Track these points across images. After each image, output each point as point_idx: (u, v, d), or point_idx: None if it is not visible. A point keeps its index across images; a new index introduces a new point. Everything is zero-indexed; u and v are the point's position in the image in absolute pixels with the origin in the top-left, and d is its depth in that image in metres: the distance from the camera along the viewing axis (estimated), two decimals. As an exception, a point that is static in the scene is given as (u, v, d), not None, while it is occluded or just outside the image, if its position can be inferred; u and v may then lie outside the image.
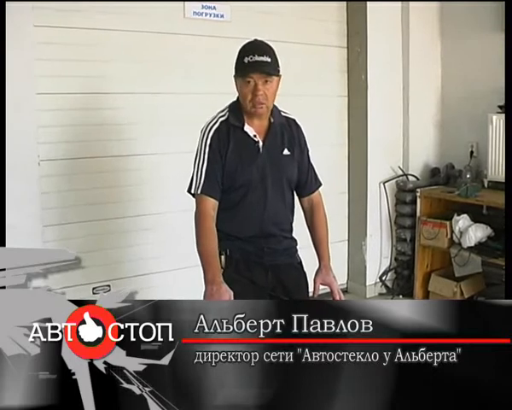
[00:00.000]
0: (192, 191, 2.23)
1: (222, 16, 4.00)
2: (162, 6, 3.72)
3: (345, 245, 4.75)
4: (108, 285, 3.75)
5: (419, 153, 4.80)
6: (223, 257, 2.27)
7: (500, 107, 4.15)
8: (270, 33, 4.08)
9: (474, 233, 4.21)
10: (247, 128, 2.24)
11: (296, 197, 2.44)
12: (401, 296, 4.71)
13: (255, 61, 2.12)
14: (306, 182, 2.40)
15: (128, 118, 3.72)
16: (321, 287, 2.32)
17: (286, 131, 2.32)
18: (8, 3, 2.91)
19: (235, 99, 2.31)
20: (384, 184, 4.71)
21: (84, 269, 3.68)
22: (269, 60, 2.15)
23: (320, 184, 2.47)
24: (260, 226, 2.25)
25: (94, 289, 3.70)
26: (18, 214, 3.17)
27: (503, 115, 4.03)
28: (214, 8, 3.95)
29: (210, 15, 3.95)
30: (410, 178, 4.73)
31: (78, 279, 3.63)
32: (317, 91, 4.47)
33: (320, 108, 4.48)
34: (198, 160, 2.23)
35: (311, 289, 2.38)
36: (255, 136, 2.24)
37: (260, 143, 2.24)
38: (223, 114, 2.28)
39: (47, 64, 3.36)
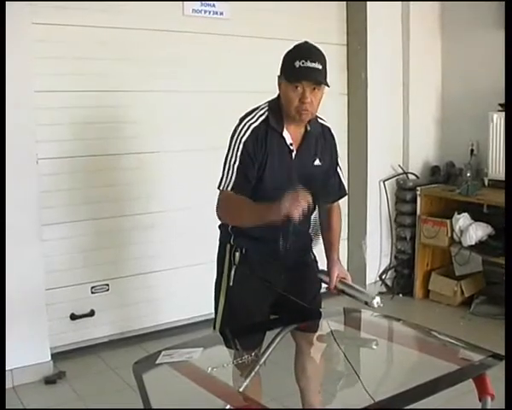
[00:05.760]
0: (221, 188, 2.15)
1: (221, 14, 3.97)
2: (161, 4, 3.70)
3: (345, 244, 4.73)
4: (107, 284, 3.73)
5: (419, 151, 4.79)
6: (237, 254, 2.23)
7: (501, 105, 4.14)
8: (269, 31, 4.09)
9: (474, 232, 4.21)
10: (285, 134, 2.19)
11: None
12: (401, 295, 4.69)
13: (307, 68, 2.04)
14: (330, 191, 2.37)
15: (126, 116, 3.70)
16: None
17: (320, 141, 2.28)
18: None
19: (274, 97, 2.23)
20: (384, 182, 4.70)
21: (82, 268, 3.71)
22: (320, 67, 2.07)
23: (345, 194, 2.44)
24: (281, 232, 2.20)
25: (92, 288, 3.69)
26: (16, 213, 3.14)
27: (504, 113, 4.02)
28: (213, 5, 3.93)
29: (209, 13, 3.93)
30: (410, 176, 4.72)
31: (77, 278, 3.63)
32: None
33: (320, 106, 4.45)
34: (230, 156, 2.15)
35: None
36: (291, 144, 2.20)
37: (294, 152, 2.21)
38: (262, 113, 2.20)
39: (45, 62, 3.34)
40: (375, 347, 2.05)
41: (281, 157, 2.18)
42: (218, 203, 2.19)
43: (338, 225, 2.40)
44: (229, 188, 2.13)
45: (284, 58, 2.16)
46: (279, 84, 2.17)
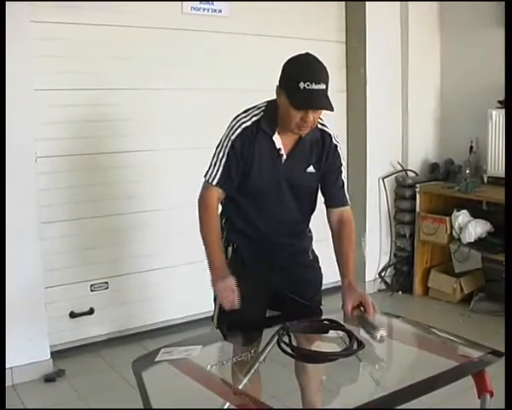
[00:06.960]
0: (206, 179, 2.20)
1: (220, 11, 3.96)
2: (160, 2, 3.69)
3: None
4: (106, 282, 3.73)
5: (418, 148, 4.78)
6: (230, 248, 2.24)
7: (500, 102, 4.14)
8: (268, 29, 4.09)
9: (473, 229, 4.21)
10: (275, 138, 2.14)
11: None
12: (400, 292, 4.70)
13: (312, 91, 1.94)
14: (335, 194, 2.29)
15: (125, 114, 3.70)
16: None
17: (316, 147, 2.19)
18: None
19: (274, 98, 2.13)
20: (383, 179, 4.69)
21: (81, 266, 3.71)
22: (324, 87, 1.97)
23: (347, 203, 2.32)
24: (273, 233, 2.21)
25: (92, 286, 3.69)
26: (15, 212, 3.14)
27: (503, 110, 4.03)
28: (212, 3, 3.92)
29: (208, 11, 3.92)
30: (410, 173, 4.72)
31: (76, 277, 3.63)
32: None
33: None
34: (219, 151, 2.17)
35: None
36: (280, 149, 2.15)
37: (284, 157, 2.16)
38: (256, 113, 2.16)
39: (44, 60, 3.33)
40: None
41: (269, 161, 2.15)
42: (201, 192, 2.24)
43: (349, 241, 2.25)
44: (214, 182, 2.16)
45: (286, 72, 2.05)
46: (277, 94, 2.08)
